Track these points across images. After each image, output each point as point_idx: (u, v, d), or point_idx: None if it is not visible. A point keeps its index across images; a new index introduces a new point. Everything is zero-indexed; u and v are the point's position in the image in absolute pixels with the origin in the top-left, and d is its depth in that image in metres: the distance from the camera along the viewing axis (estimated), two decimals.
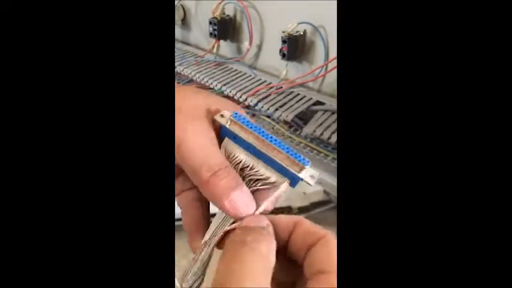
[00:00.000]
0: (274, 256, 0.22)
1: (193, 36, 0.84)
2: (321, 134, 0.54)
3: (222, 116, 0.26)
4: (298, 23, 0.62)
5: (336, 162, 0.54)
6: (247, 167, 0.26)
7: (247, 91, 0.65)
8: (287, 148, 0.25)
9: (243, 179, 0.25)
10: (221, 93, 0.67)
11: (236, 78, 0.70)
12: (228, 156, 0.26)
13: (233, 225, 0.24)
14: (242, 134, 0.25)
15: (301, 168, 0.25)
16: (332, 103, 0.61)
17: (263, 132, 0.25)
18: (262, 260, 0.21)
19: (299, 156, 0.25)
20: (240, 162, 0.26)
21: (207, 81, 0.69)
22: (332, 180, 0.56)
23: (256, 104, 0.62)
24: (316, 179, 0.25)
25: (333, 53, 0.61)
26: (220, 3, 0.71)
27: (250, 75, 0.70)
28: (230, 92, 0.65)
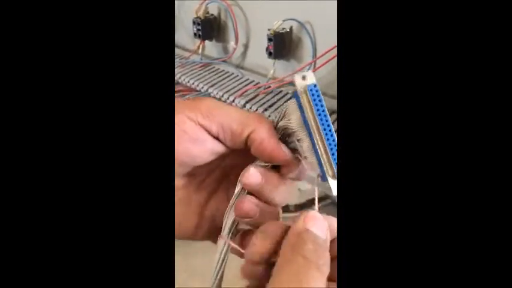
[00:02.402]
0: None
1: (178, 38, 0.81)
2: None
3: (303, 78, 0.24)
4: (284, 20, 0.60)
5: None
6: (298, 139, 0.25)
7: (235, 92, 0.63)
8: (334, 147, 0.24)
9: (285, 143, 0.26)
10: (207, 95, 0.65)
11: (223, 79, 0.68)
12: (285, 116, 0.26)
13: (292, 232, 0.23)
14: (305, 107, 0.24)
15: (334, 176, 0.24)
16: None
17: (325, 117, 0.24)
18: (324, 280, 0.22)
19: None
20: (295, 130, 0.25)
21: (193, 83, 0.67)
22: None
23: (244, 105, 0.60)
24: None
25: (321, 49, 0.59)
26: (203, 2, 0.69)
27: (238, 75, 0.68)
28: (217, 93, 0.64)
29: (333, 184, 0.24)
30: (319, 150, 0.24)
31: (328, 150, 0.24)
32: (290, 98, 0.26)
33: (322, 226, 0.23)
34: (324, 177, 0.25)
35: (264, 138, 0.25)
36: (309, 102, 0.24)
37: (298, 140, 0.25)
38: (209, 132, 0.25)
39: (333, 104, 0.59)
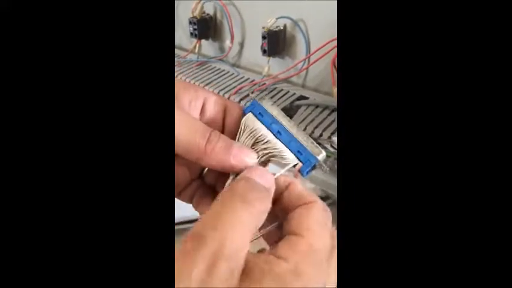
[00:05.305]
0: (265, 218, 0.22)
1: (175, 37, 0.82)
2: (304, 128, 0.53)
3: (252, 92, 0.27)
4: (277, 18, 0.61)
5: None
6: (266, 141, 0.26)
7: (230, 89, 0.64)
8: (306, 134, 0.27)
9: (257, 151, 0.27)
10: None
11: (219, 77, 0.69)
12: (247, 129, 0.27)
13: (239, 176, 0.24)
14: (270, 111, 0.27)
15: (319, 153, 0.26)
16: (316, 97, 0.60)
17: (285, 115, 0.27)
18: (255, 218, 0.21)
19: (317, 145, 0.26)
20: (260, 135, 0.26)
21: (190, 82, 0.68)
22: (318, 174, 0.55)
23: (239, 102, 0.61)
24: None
25: (314, 45, 0.60)
26: (199, 2, 0.70)
27: (233, 74, 0.69)
28: (213, 91, 0.64)
29: (322, 158, 0.26)
30: (296, 137, 0.26)
31: (306, 137, 0.26)
32: (244, 115, 0.27)
33: (261, 174, 0.24)
34: (308, 163, 0.26)
35: (217, 161, 0.25)
36: (272, 105, 0.27)
37: (268, 142, 0.26)
38: None
39: (327, 100, 0.59)
